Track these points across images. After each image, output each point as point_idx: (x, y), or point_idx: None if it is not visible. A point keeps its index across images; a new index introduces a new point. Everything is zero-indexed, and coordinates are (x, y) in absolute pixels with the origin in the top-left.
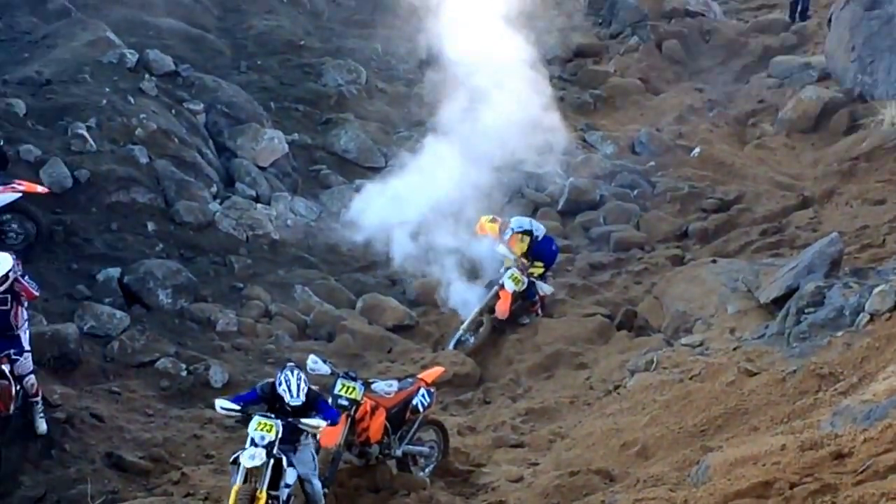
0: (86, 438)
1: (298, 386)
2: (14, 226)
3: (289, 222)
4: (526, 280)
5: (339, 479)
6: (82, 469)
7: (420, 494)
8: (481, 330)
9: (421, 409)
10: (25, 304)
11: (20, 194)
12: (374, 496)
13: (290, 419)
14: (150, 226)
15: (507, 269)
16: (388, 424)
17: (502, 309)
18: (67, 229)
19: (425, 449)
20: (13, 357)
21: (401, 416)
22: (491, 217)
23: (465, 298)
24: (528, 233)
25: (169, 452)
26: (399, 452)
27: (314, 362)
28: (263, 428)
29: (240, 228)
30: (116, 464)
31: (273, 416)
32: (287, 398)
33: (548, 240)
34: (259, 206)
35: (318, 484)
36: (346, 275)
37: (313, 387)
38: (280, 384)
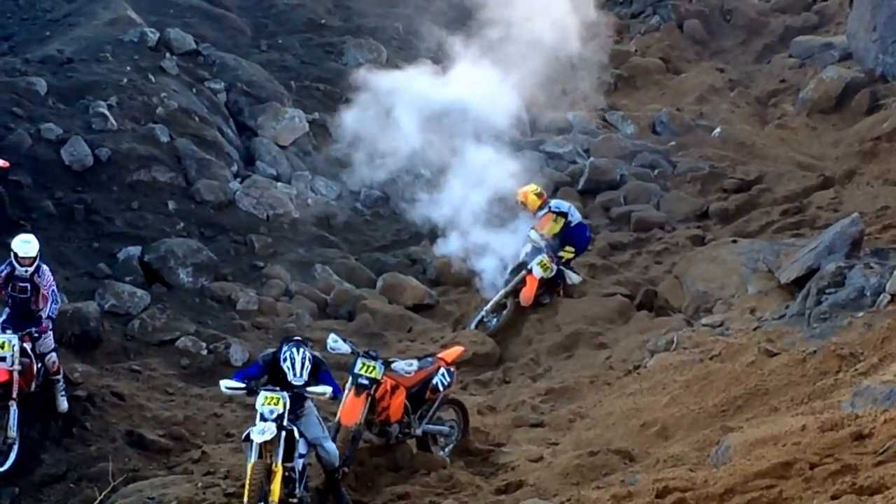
0: (106, 417)
1: (303, 365)
2: None
3: (309, 201)
4: (555, 267)
5: (359, 458)
6: (103, 447)
7: (440, 473)
8: (504, 313)
9: (441, 388)
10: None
11: None
12: (393, 475)
13: (295, 389)
14: (171, 204)
15: (538, 254)
16: (407, 404)
17: (527, 295)
18: (88, 208)
19: (445, 428)
20: (34, 335)
21: (421, 396)
22: (538, 190)
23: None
24: (564, 215)
25: (189, 431)
26: (419, 432)
27: (334, 341)
28: (271, 402)
29: (260, 207)
30: (137, 442)
31: (278, 388)
32: (290, 376)
33: (582, 226)
34: (279, 184)
35: (331, 445)
36: (367, 254)
37: (317, 354)
38: (284, 360)
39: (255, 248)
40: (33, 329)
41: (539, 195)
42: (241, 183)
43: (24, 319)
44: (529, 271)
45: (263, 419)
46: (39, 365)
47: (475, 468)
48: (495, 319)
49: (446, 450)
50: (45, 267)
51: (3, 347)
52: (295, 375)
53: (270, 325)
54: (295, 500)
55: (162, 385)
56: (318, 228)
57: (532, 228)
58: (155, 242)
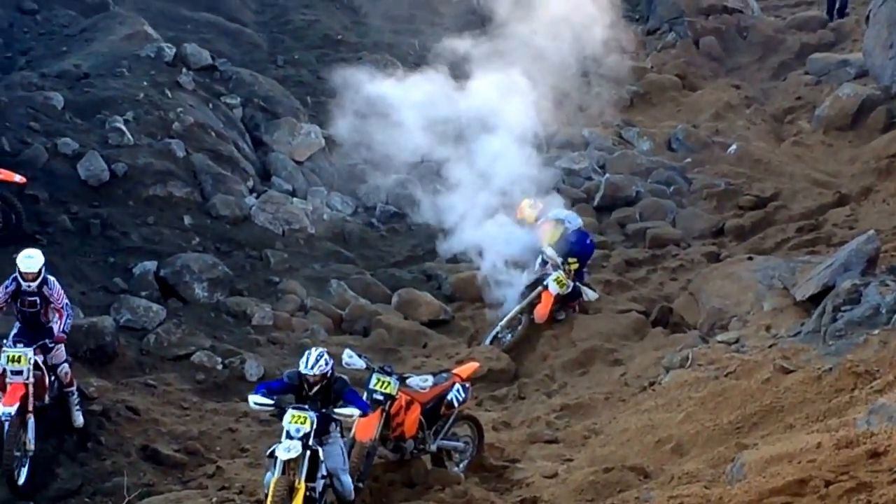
0: (122, 431)
1: (317, 360)
2: None
3: (325, 216)
4: (571, 284)
5: (373, 474)
6: (118, 461)
7: (454, 489)
8: (519, 328)
9: (456, 404)
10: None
11: None
12: (408, 491)
13: (323, 410)
14: (187, 219)
15: (554, 269)
16: (422, 419)
17: (542, 312)
18: (104, 222)
19: (460, 444)
20: (49, 345)
21: (436, 411)
22: (531, 202)
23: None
24: (561, 221)
25: (204, 446)
26: (434, 447)
27: (349, 356)
28: (298, 420)
29: (276, 222)
30: (152, 457)
31: (307, 407)
32: (302, 368)
33: (582, 234)
34: (295, 200)
35: (347, 480)
36: (382, 269)
37: (343, 376)
38: (302, 356)
39: (271, 264)
40: (47, 340)
41: (533, 206)
42: (256, 198)
43: (34, 332)
44: (545, 287)
45: (289, 437)
46: (52, 377)
47: (490, 484)
48: (510, 335)
49: (461, 465)
50: (51, 279)
51: (18, 361)
52: (307, 367)
53: (286, 341)
54: None
55: (177, 400)
56: (333, 244)
57: (548, 245)
58: (171, 257)
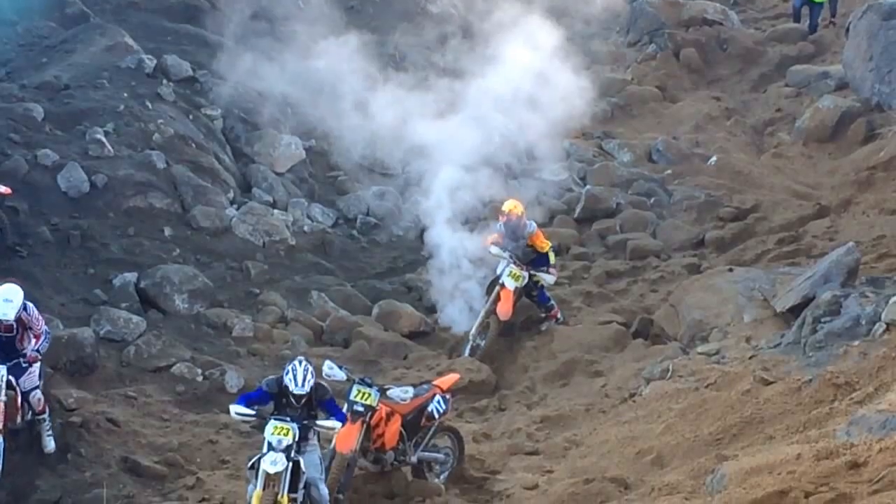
0: (101, 443)
1: (305, 377)
2: None
3: (305, 228)
4: (525, 274)
5: (354, 486)
6: (97, 473)
7: (435, 501)
8: (489, 332)
9: (436, 415)
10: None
11: None
12: (389, 502)
13: (305, 421)
14: (167, 231)
15: (506, 267)
16: (403, 431)
17: (504, 309)
18: (84, 234)
19: (440, 455)
20: (21, 365)
21: (416, 423)
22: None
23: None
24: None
25: (184, 457)
26: (414, 459)
27: (330, 368)
28: (280, 432)
29: (256, 234)
30: (132, 468)
31: (289, 419)
32: (292, 387)
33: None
34: (276, 211)
35: (324, 489)
36: (363, 281)
37: (322, 383)
38: (287, 373)
39: (251, 275)
40: (21, 359)
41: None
42: (237, 209)
43: (7, 355)
44: (502, 286)
45: (271, 448)
46: (25, 403)
47: (470, 496)
48: (482, 341)
49: (441, 477)
50: (30, 305)
51: None
52: (297, 386)
53: (266, 352)
54: None
55: (157, 411)
56: (314, 255)
57: (492, 244)
58: (151, 269)
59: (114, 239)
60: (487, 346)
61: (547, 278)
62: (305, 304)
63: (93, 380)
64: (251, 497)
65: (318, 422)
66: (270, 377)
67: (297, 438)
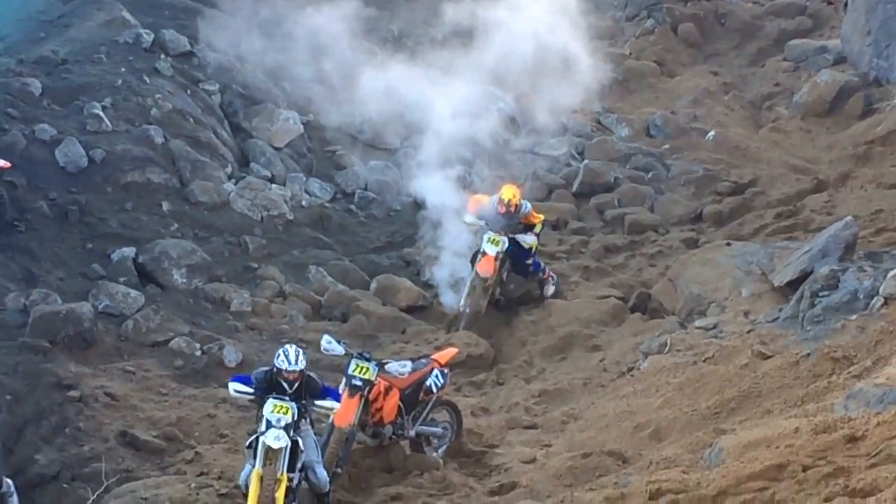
0: (100, 417)
1: (297, 356)
2: None
3: (303, 203)
4: (505, 239)
5: (352, 460)
6: (96, 447)
7: (433, 475)
8: (473, 294)
9: (434, 389)
10: None
11: None
12: (387, 476)
13: (303, 401)
14: (165, 205)
15: (485, 234)
16: (401, 405)
17: (485, 268)
18: (82, 209)
19: (438, 430)
20: None
21: (414, 397)
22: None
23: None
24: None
25: (183, 431)
26: (412, 433)
27: (328, 342)
28: (280, 410)
29: (254, 209)
30: (130, 442)
31: (287, 398)
32: (285, 366)
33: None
34: (274, 186)
35: (322, 472)
36: (361, 255)
37: (312, 375)
38: (278, 356)
39: (250, 250)
40: None
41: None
42: (235, 184)
43: None
44: (484, 252)
45: (269, 426)
46: None
47: (468, 469)
48: (467, 309)
49: (440, 451)
50: None
51: None
52: (290, 363)
53: (264, 327)
54: None
55: (156, 386)
56: (312, 230)
57: (467, 213)
58: (149, 243)
59: (112, 214)
60: (474, 308)
61: (526, 238)
62: (303, 278)
63: (91, 354)
64: (249, 476)
65: (317, 401)
66: (259, 369)
67: (295, 418)
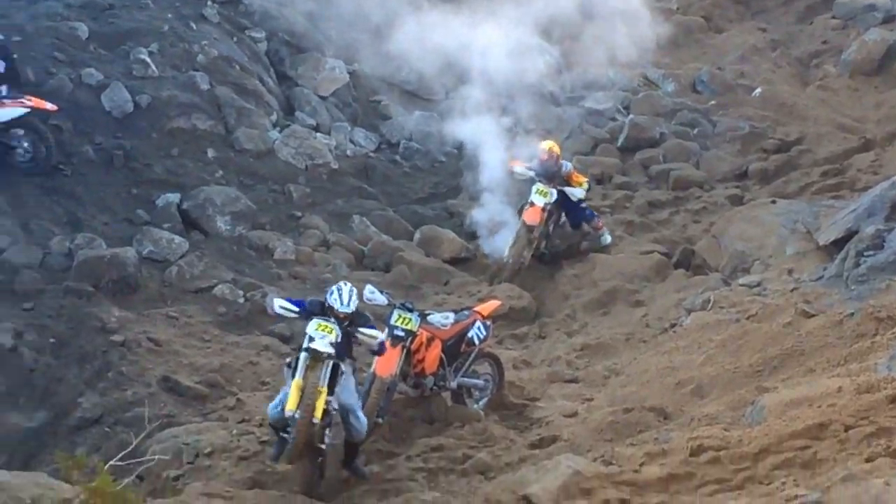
0: (142, 362)
1: (350, 296)
2: (25, 144)
3: (348, 152)
4: (553, 191)
5: (393, 410)
6: (138, 392)
7: (474, 426)
8: (517, 242)
9: (476, 341)
10: None
11: (28, 109)
12: (428, 427)
13: (347, 327)
14: (210, 152)
15: (533, 185)
16: (443, 356)
17: (532, 217)
18: (128, 154)
19: (480, 382)
20: None
21: (456, 349)
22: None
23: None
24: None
25: (225, 378)
26: (454, 384)
27: (371, 292)
28: (324, 329)
29: (299, 157)
30: (172, 388)
31: (332, 319)
32: (337, 306)
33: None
34: (318, 135)
35: (362, 417)
36: (404, 206)
37: (363, 311)
38: (331, 294)
39: (294, 198)
40: None
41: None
42: (280, 132)
43: None
44: (531, 203)
45: (312, 340)
46: None
47: (509, 422)
48: (510, 260)
49: (481, 403)
50: None
51: None
52: (343, 304)
53: (307, 276)
54: (324, 446)
55: (198, 332)
56: (356, 179)
57: (516, 163)
58: (193, 190)
59: (157, 159)
60: (516, 259)
61: (575, 191)
62: (347, 228)
63: (135, 299)
64: (287, 392)
65: (361, 329)
66: (312, 299)
67: (338, 339)
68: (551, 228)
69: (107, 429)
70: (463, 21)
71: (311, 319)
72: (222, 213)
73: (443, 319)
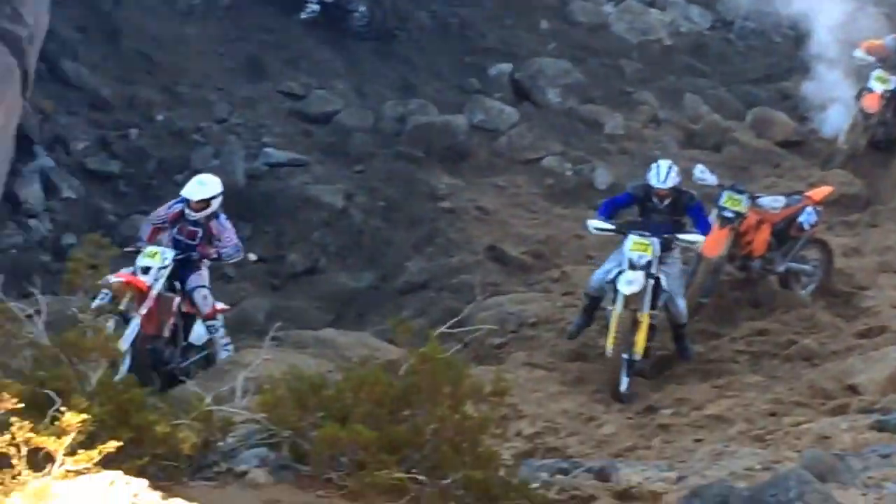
0: (470, 230)
1: (668, 173)
2: (362, 8)
3: (682, 29)
4: (893, 78)
5: (719, 291)
6: (465, 259)
7: (800, 312)
8: (853, 133)
9: (806, 227)
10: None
11: None
12: (753, 311)
13: (666, 235)
14: (544, 23)
15: (873, 71)
16: (772, 240)
17: (870, 103)
18: (462, 22)
19: (808, 267)
20: (191, 258)
21: (785, 233)
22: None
23: None
24: None
25: (551, 250)
26: (781, 269)
27: (701, 172)
28: (640, 247)
29: (632, 32)
30: (498, 257)
31: (649, 234)
32: (654, 182)
33: None
34: (653, 10)
35: (682, 303)
36: (737, 86)
37: (690, 191)
38: (650, 171)
39: (625, 73)
40: (193, 253)
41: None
42: (615, 6)
43: (183, 268)
44: (869, 90)
45: (632, 266)
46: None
47: (837, 310)
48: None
49: (808, 289)
50: (224, 217)
51: (153, 257)
52: (659, 181)
53: (636, 151)
54: (652, 345)
55: (526, 203)
56: (689, 57)
57: (858, 49)
58: (526, 61)
59: (490, 29)
60: (851, 145)
61: None
62: (678, 105)
63: (464, 167)
64: (611, 317)
65: (680, 235)
66: (634, 183)
67: (656, 254)
68: (889, 116)
69: (432, 294)
70: None
71: (628, 236)
72: (553, 85)
73: (773, 202)
